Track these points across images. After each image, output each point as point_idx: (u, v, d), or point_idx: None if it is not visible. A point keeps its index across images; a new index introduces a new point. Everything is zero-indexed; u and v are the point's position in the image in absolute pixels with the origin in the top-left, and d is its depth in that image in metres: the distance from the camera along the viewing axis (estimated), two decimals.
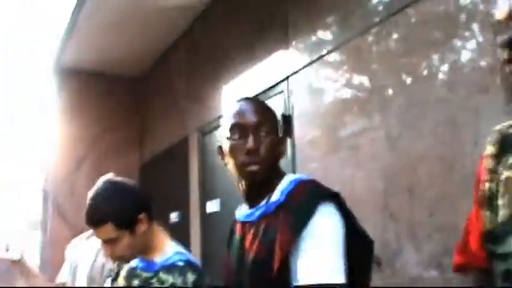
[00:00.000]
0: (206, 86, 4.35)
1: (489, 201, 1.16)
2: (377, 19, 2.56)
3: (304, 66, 3.08)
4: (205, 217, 4.19)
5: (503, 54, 1.06)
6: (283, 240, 1.27)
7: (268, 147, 1.41)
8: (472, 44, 2.09)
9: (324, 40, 2.95)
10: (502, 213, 1.09)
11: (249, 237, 1.42)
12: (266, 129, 1.42)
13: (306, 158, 3.02)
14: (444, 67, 2.19)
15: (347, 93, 2.75)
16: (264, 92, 3.42)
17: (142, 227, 1.85)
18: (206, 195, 4.20)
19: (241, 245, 1.45)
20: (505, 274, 1.05)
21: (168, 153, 5.10)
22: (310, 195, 1.32)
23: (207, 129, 4.26)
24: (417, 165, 2.27)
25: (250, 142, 1.38)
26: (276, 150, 1.44)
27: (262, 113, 1.45)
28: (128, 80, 5.97)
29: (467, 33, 2.10)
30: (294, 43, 3.21)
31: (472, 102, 2.04)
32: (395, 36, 2.47)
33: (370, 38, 2.61)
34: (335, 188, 1.36)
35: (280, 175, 1.45)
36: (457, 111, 2.10)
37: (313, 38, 3.03)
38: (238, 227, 1.51)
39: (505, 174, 1.14)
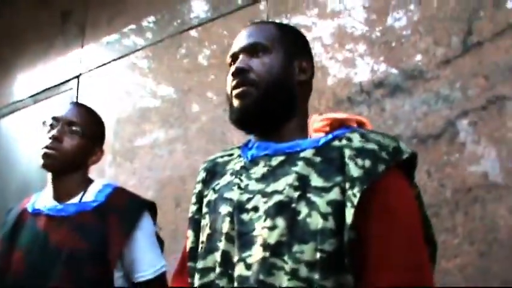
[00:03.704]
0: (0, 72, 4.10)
1: (194, 222, 1.22)
2: (185, 28, 2.61)
3: (97, 67, 3.05)
4: None
5: (231, 83, 1.15)
6: (117, 240, 1.51)
7: (74, 146, 1.59)
8: None
9: (124, 43, 2.95)
10: (205, 232, 1.14)
11: (61, 231, 1.52)
12: (76, 129, 1.60)
13: None
14: None
15: (140, 100, 2.79)
16: (55, 87, 3.33)
17: None
18: None
19: (45, 239, 1.52)
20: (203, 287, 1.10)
21: None
22: (133, 203, 1.62)
23: None
24: (187, 179, 2.37)
25: (53, 131, 1.57)
26: (81, 151, 1.61)
27: (83, 117, 1.64)
28: None
29: None
30: (90, 42, 3.17)
31: None
32: (201, 49, 2.54)
33: (174, 49, 2.66)
34: None
35: (88, 178, 1.67)
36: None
37: (112, 40, 3.02)
38: (41, 219, 1.57)
39: (209, 197, 1.19)
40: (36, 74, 3.63)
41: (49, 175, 1.62)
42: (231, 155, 1.25)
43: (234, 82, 1.14)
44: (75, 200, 1.59)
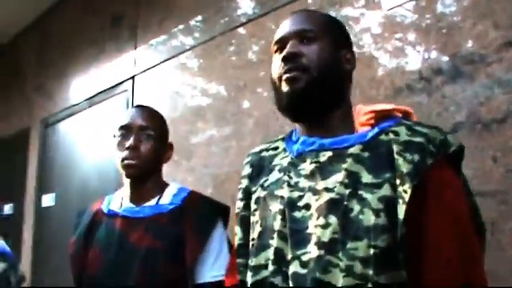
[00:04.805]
0: (54, 78, 4.21)
1: (242, 218, 1.22)
2: (233, 25, 2.62)
3: (150, 68, 3.11)
4: (39, 211, 4.05)
5: (281, 68, 1.14)
6: (193, 247, 1.51)
7: (150, 151, 1.59)
8: None
9: (175, 44, 2.99)
10: (255, 230, 1.14)
11: (137, 231, 1.56)
12: (150, 133, 1.60)
13: None
14: None
15: (194, 98, 2.82)
16: (110, 89, 3.41)
17: None
18: (42, 188, 4.06)
19: (122, 238, 1.56)
20: (255, 285, 1.10)
21: (7, 142, 4.84)
22: (209, 208, 1.63)
23: (51, 122, 4.12)
24: None
25: (130, 141, 1.56)
26: (157, 154, 1.63)
27: (151, 119, 1.64)
28: None
29: None
30: (142, 43, 3.23)
31: None
32: (251, 45, 2.54)
33: (224, 46, 2.68)
34: None
35: (163, 181, 1.68)
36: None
37: (163, 40, 3.06)
38: (117, 220, 1.60)
39: (257, 193, 1.18)
40: (90, 78, 3.72)
41: (126, 180, 1.64)
42: (276, 148, 1.24)
43: (285, 67, 1.12)
44: (152, 202, 1.63)
